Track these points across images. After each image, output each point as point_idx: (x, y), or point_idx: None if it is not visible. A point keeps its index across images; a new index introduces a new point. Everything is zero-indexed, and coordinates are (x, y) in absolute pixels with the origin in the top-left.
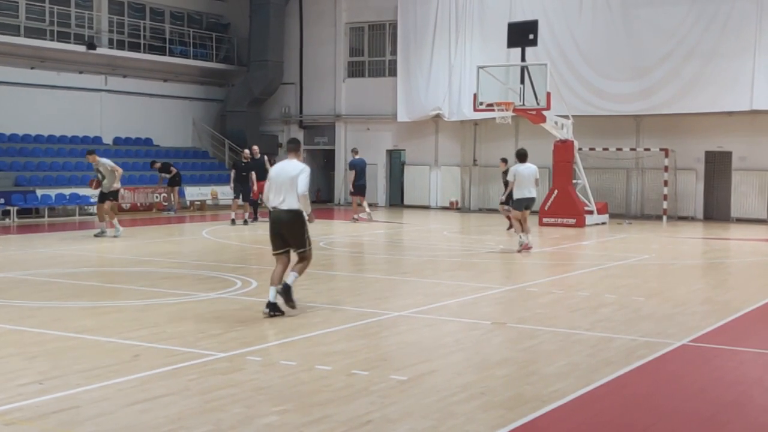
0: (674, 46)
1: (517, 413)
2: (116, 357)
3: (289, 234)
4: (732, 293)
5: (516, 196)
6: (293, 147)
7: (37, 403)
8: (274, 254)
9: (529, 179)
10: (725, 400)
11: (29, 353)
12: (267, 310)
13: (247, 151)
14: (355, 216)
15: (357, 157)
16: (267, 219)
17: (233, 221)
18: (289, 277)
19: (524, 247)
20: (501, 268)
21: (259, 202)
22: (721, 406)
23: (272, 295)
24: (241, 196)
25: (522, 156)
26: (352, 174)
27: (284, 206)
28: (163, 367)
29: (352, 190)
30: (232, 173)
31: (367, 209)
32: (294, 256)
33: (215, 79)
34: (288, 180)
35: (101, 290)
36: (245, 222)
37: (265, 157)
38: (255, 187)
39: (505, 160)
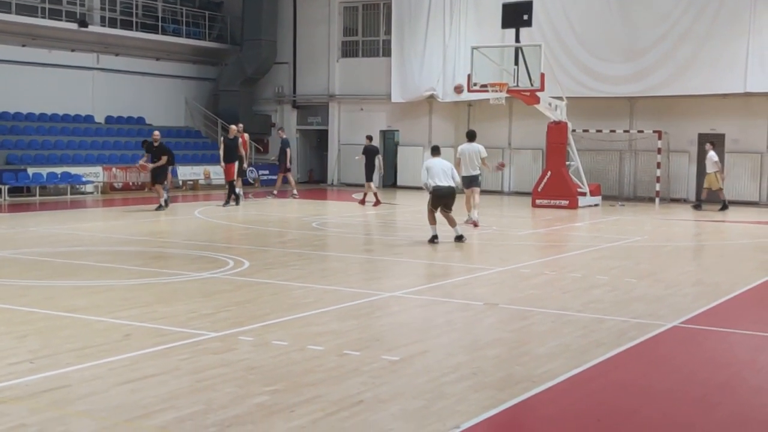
0: (669, 28)
1: (507, 393)
2: (107, 336)
3: (449, 200)
4: (723, 275)
5: (462, 173)
6: (437, 151)
7: (27, 382)
8: (431, 209)
9: (471, 158)
10: (716, 382)
11: (20, 332)
12: (436, 241)
13: (156, 132)
14: (295, 192)
15: (285, 136)
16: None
17: (161, 206)
18: (458, 229)
19: (472, 223)
20: (493, 249)
21: (235, 184)
22: (712, 387)
23: (434, 229)
24: (158, 179)
25: (470, 136)
26: (287, 153)
27: (446, 184)
28: (155, 346)
29: (289, 167)
30: (145, 156)
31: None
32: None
33: (208, 58)
34: (442, 171)
35: (92, 269)
36: (162, 205)
37: (239, 140)
38: (236, 168)
39: (369, 137)
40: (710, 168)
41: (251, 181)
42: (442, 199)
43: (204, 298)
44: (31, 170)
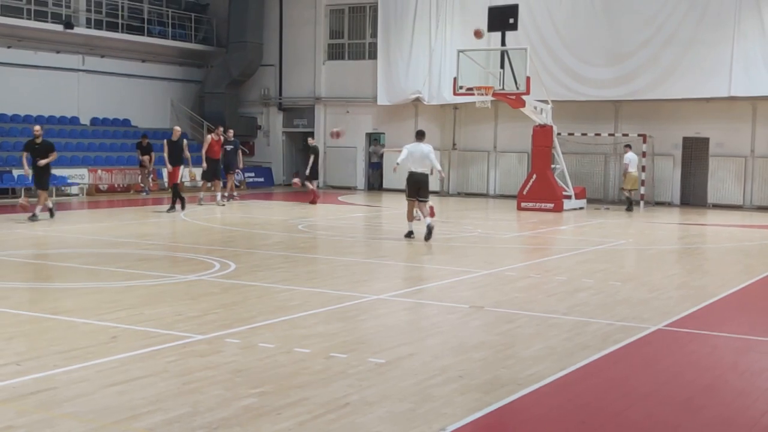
0: (654, 32)
1: (494, 396)
2: (94, 338)
3: (422, 186)
4: (707, 279)
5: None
6: (422, 135)
7: (14, 384)
8: (409, 199)
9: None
10: (700, 385)
11: (6, 334)
12: (412, 237)
13: (38, 127)
14: (235, 194)
15: (234, 137)
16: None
17: (34, 215)
18: (428, 221)
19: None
20: (479, 252)
21: (179, 182)
22: (696, 390)
23: (410, 226)
24: (36, 182)
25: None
26: (238, 154)
27: (420, 170)
28: (141, 348)
29: (234, 170)
30: (24, 156)
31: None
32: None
33: (194, 60)
34: (422, 156)
35: (78, 271)
36: (50, 214)
37: (184, 141)
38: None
39: (311, 137)
40: (633, 168)
41: (237, 183)
42: (414, 185)
43: (191, 301)
44: (16, 172)
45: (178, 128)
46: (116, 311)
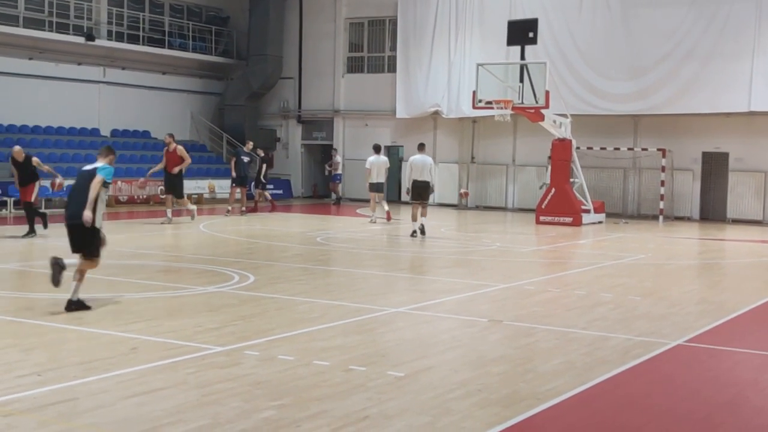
0: (673, 46)
1: (512, 410)
2: (114, 350)
3: (424, 191)
4: (727, 294)
5: (371, 180)
6: (423, 147)
7: (35, 395)
8: (413, 203)
9: (381, 168)
10: (719, 401)
11: (27, 345)
12: (416, 233)
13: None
14: (244, 208)
15: (251, 150)
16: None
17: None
18: (423, 222)
19: (373, 221)
20: (498, 266)
21: (38, 207)
22: (716, 406)
23: (417, 225)
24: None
25: (377, 149)
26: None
27: (422, 179)
28: (161, 360)
29: (248, 184)
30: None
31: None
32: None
33: (214, 72)
34: (422, 166)
35: (98, 282)
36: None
37: (34, 159)
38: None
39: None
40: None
41: (255, 196)
42: (417, 190)
43: (210, 312)
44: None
45: (18, 147)
46: (136, 322)
